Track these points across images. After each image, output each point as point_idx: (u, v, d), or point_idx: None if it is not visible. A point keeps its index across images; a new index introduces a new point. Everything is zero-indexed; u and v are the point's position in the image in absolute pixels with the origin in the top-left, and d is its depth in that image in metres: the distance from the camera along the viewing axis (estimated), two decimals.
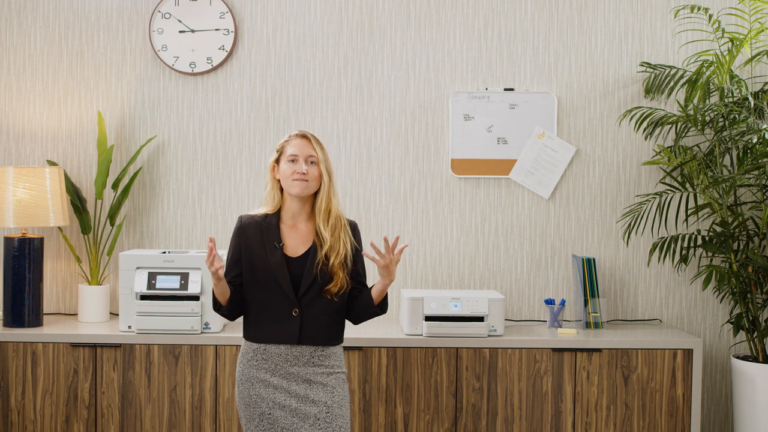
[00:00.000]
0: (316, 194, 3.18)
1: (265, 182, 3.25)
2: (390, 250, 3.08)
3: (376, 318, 4.31)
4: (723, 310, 4.35)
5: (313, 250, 3.13)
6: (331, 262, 3.12)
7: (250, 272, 3.15)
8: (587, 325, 4.15)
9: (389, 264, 3.09)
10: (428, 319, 3.89)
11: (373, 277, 4.16)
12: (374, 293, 3.17)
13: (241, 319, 4.27)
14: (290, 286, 3.10)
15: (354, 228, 3.24)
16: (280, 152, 3.18)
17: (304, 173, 3.10)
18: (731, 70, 4.10)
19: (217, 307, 3.20)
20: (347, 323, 3.34)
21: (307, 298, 3.12)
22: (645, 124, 4.16)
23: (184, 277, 3.88)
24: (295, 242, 3.16)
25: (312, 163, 3.13)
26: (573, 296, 4.30)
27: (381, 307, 3.21)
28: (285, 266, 3.11)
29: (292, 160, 3.12)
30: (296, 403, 3.09)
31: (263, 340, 3.14)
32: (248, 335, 3.19)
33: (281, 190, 3.19)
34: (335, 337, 3.19)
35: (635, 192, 4.35)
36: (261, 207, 3.24)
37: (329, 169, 3.16)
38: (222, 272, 3.04)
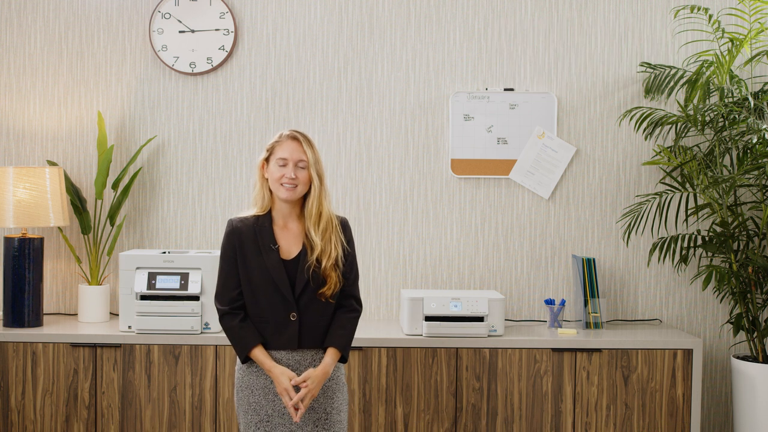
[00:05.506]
0: (305, 195, 3.09)
1: (254, 181, 3.14)
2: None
3: (375, 318, 4.33)
4: (723, 310, 4.35)
5: (303, 253, 3.06)
6: (323, 265, 3.03)
7: (245, 277, 3.05)
8: (587, 325, 4.15)
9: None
10: (428, 319, 3.89)
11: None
12: (326, 355, 3.07)
13: None
14: (289, 290, 3.02)
15: (344, 225, 3.14)
16: (270, 152, 3.08)
17: (293, 178, 3.02)
18: (731, 70, 4.10)
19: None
20: None
21: (304, 302, 3.03)
22: (645, 124, 4.16)
23: (184, 277, 3.88)
24: (288, 243, 3.07)
25: (302, 168, 3.05)
26: (573, 296, 4.30)
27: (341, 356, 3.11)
28: (283, 269, 3.03)
29: (282, 165, 3.04)
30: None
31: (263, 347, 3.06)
32: None
33: (270, 189, 3.09)
34: None
35: (635, 192, 4.35)
36: (250, 209, 3.15)
37: (319, 171, 3.06)
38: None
